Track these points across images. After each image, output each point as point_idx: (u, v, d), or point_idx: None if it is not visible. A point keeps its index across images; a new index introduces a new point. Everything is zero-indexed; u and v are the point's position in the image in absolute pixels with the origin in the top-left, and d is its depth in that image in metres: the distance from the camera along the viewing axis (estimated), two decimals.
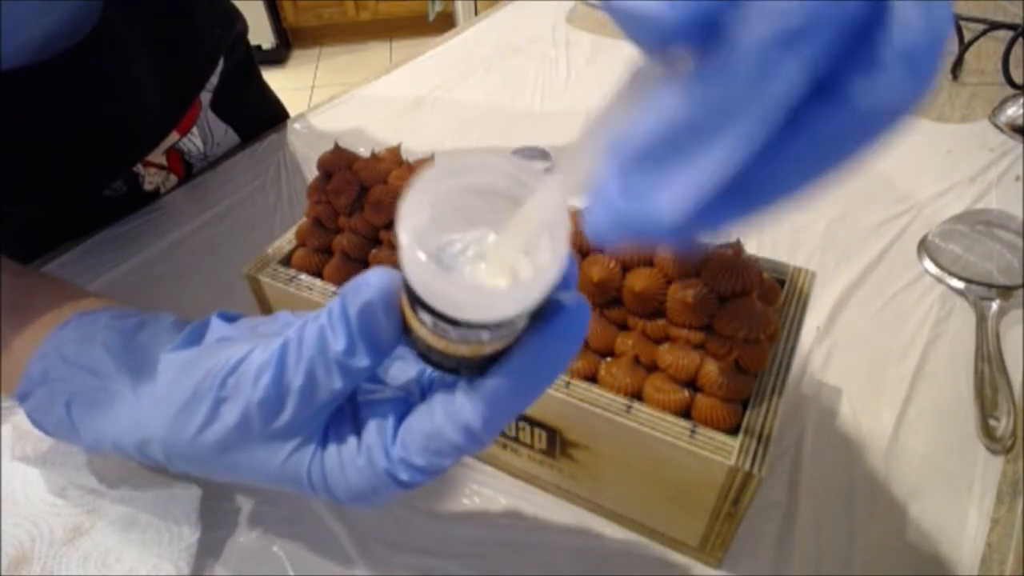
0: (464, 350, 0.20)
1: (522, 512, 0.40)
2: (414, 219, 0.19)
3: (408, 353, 0.23)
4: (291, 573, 0.37)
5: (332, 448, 0.24)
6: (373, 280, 0.22)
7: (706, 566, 0.37)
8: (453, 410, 0.22)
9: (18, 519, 0.36)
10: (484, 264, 0.20)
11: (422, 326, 0.20)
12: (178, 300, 0.55)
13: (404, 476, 0.23)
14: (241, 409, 0.24)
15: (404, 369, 0.26)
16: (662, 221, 0.15)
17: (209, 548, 0.38)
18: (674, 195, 0.15)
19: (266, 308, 0.43)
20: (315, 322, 0.23)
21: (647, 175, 0.15)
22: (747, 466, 0.29)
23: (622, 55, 0.88)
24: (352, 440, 0.24)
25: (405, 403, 0.24)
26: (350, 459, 0.24)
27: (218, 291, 0.55)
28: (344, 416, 0.25)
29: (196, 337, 0.28)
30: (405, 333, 0.22)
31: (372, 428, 0.24)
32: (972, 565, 0.37)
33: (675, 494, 0.34)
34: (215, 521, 0.39)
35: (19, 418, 0.39)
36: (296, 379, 0.23)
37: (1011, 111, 0.69)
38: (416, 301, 0.20)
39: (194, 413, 0.25)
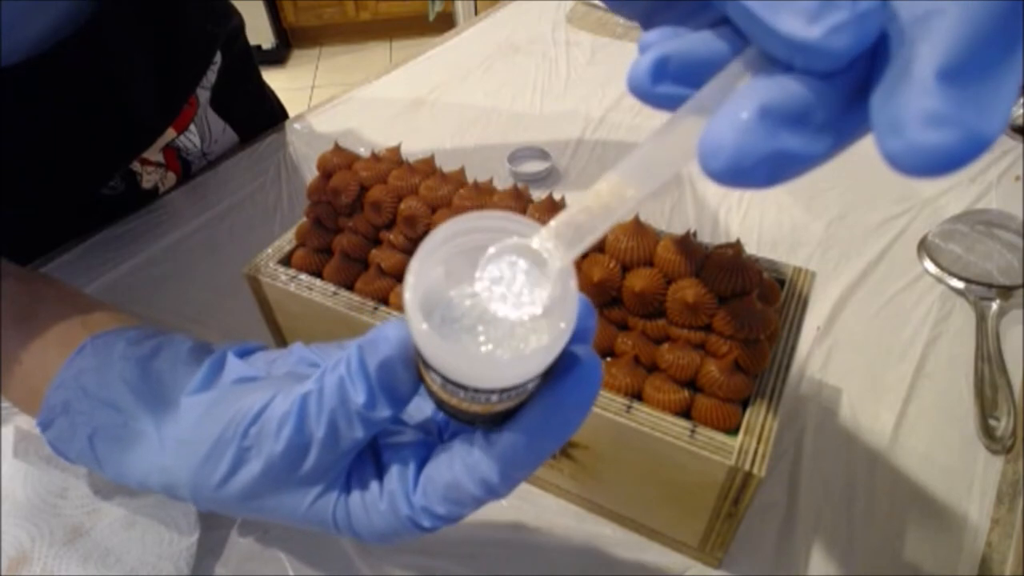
0: (476, 408, 0.20)
1: (522, 512, 0.40)
2: (419, 283, 0.18)
3: (428, 397, 0.23)
4: (291, 573, 0.37)
5: (356, 493, 0.25)
6: (391, 335, 0.22)
7: (706, 566, 0.37)
8: (471, 463, 0.22)
9: (18, 519, 0.36)
10: (496, 327, 0.19)
11: (433, 383, 0.20)
12: (178, 300, 0.55)
13: (426, 523, 0.23)
14: (264, 459, 0.24)
15: (421, 407, 0.27)
16: (997, 131, 0.13)
17: (209, 548, 0.38)
18: (1006, 103, 0.13)
19: (266, 308, 0.43)
20: (334, 373, 0.23)
21: (977, 84, 0.13)
22: (747, 466, 0.29)
23: (622, 55, 0.88)
24: (375, 485, 0.24)
25: (425, 446, 0.25)
26: (373, 504, 0.24)
27: (218, 291, 0.55)
28: (366, 460, 0.25)
29: (214, 374, 0.28)
30: (422, 382, 0.22)
31: (394, 474, 0.24)
32: (972, 565, 0.37)
33: (675, 494, 0.34)
34: (215, 521, 0.39)
35: (21, 419, 0.39)
36: (318, 430, 0.23)
37: (1011, 111, 0.69)
38: (424, 362, 0.20)
39: (218, 462, 0.25)
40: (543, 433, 0.21)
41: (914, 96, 0.13)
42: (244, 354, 0.29)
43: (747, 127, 0.14)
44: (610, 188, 0.17)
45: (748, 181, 0.15)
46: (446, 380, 0.19)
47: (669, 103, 0.17)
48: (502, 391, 0.19)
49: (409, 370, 0.22)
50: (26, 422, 0.38)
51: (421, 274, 0.18)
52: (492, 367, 0.19)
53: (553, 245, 0.18)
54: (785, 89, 0.14)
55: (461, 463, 0.22)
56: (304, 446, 0.24)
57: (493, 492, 0.22)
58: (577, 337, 0.20)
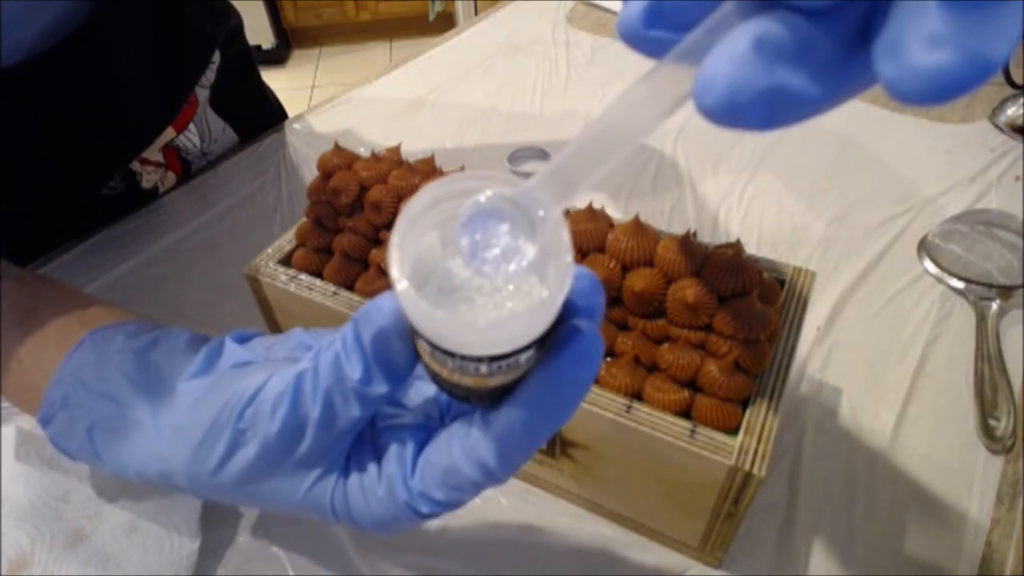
0: (467, 381, 0.19)
1: (522, 512, 0.40)
2: (405, 242, 0.17)
3: (425, 373, 0.23)
4: (291, 573, 0.37)
5: (354, 477, 0.24)
6: (385, 306, 0.21)
7: (706, 566, 0.37)
8: (469, 445, 0.21)
9: (19, 522, 0.36)
10: (496, 294, 0.19)
11: (424, 352, 0.20)
12: (178, 300, 0.55)
13: (425, 509, 0.23)
14: (260, 441, 0.24)
15: (422, 390, 0.26)
16: (1002, 57, 0.12)
17: (209, 549, 0.38)
18: (1015, 29, 0.12)
19: (266, 308, 0.43)
20: (329, 350, 0.23)
21: (982, 8, 0.12)
22: (747, 466, 0.29)
23: (622, 55, 0.88)
24: (373, 469, 0.24)
25: (424, 429, 0.24)
26: (371, 489, 0.23)
27: (218, 291, 0.55)
28: (365, 443, 0.25)
29: (212, 360, 0.28)
30: (418, 357, 0.22)
31: (392, 458, 0.23)
32: (972, 565, 0.37)
33: (675, 494, 0.34)
34: (215, 522, 0.39)
35: (21, 420, 0.39)
36: (314, 409, 0.23)
37: (1011, 111, 0.69)
38: (412, 327, 0.19)
39: (214, 447, 0.25)
40: (540, 410, 0.20)
41: (914, 19, 0.13)
42: (242, 340, 0.29)
43: (742, 60, 0.14)
44: (596, 137, 0.16)
45: (743, 120, 0.14)
46: (434, 348, 0.18)
47: (661, 49, 0.16)
48: (491, 360, 0.18)
49: (404, 342, 0.21)
50: (27, 423, 0.38)
51: (407, 234, 0.18)
52: (472, 328, 0.18)
53: (540, 195, 0.17)
54: (782, 22, 0.14)
55: (459, 445, 0.22)
56: (299, 426, 0.23)
57: (491, 476, 0.21)
58: (583, 313, 0.19)
